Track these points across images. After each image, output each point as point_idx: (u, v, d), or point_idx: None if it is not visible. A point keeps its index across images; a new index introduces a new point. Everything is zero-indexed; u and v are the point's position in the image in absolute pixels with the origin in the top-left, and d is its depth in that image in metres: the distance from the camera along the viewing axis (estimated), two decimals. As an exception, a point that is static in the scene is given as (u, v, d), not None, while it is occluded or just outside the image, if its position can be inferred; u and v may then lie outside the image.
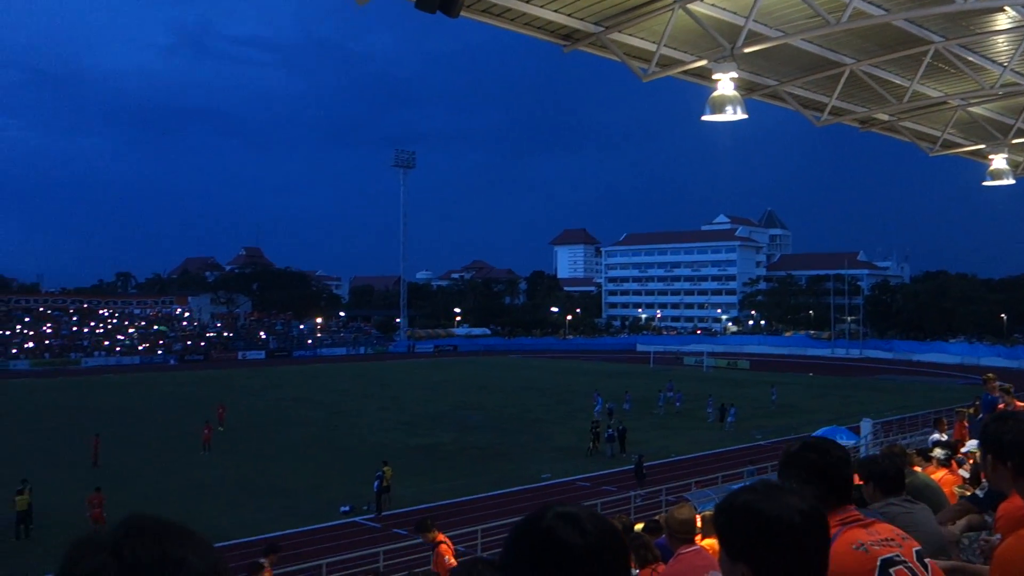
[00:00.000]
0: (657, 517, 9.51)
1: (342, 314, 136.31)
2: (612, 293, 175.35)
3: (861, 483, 5.01)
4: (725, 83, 10.03)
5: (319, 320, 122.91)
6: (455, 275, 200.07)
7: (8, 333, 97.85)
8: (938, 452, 8.75)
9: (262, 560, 13.71)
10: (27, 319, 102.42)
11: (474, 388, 66.22)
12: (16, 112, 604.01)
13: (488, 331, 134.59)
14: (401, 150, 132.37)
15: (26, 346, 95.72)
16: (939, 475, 7.73)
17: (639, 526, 8.95)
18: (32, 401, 59.06)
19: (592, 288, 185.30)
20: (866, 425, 35.47)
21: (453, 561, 11.30)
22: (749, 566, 1.84)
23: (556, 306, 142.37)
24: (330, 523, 26.75)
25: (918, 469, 7.21)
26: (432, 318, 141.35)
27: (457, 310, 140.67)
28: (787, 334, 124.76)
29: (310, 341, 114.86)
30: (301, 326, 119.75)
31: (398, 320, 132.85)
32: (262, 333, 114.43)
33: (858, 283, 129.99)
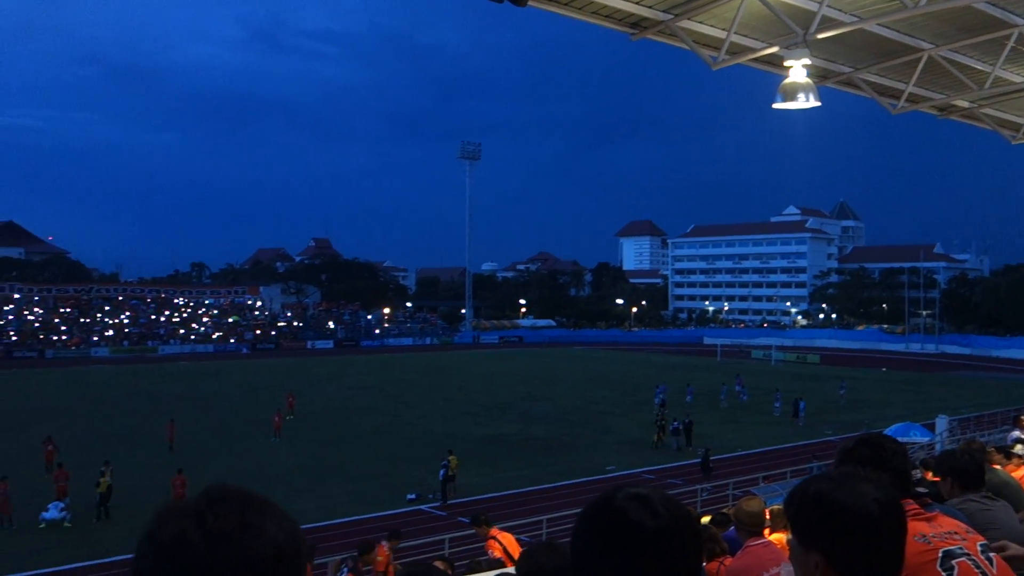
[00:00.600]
0: (725, 510, 9.41)
1: (408, 305, 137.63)
2: (679, 285, 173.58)
3: (937, 479, 4.87)
4: (797, 70, 9.82)
5: (386, 310, 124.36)
6: (520, 266, 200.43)
7: (89, 321, 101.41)
8: (1020, 449, 8.46)
9: (383, 543, 14.09)
10: (107, 308, 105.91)
11: (539, 379, 66.29)
12: (97, 107, 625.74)
13: (553, 322, 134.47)
14: (467, 142, 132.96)
15: (106, 334, 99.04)
16: (1020, 473, 7.48)
17: (706, 519, 8.86)
18: (112, 387, 61.10)
19: (658, 280, 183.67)
20: (941, 422, 34.48)
21: (499, 554, 11.37)
22: (823, 555, 1.81)
23: (621, 298, 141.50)
24: (397, 510, 27.11)
25: (997, 467, 6.98)
26: (497, 309, 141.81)
27: (522, 301, 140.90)
28: (859, 328, 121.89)
29: (377, 331, 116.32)
30: (368, 316, 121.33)
31: (463, 311, 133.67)
32: (331, 323, 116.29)
33: (934, 276, 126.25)
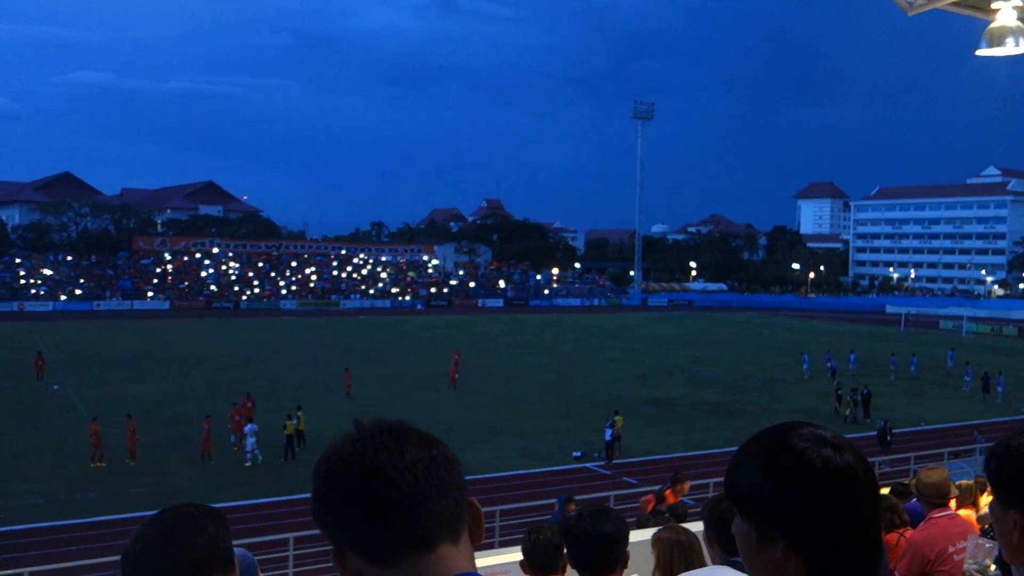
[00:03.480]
0: (906, 481, 8.99)
1: (577, 265, 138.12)
2: (861, 250, 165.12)
3: None
4: (1007, 13, 9.01)
5: (555, 271, 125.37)
6: (691, 229, 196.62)
7: (278, 275, 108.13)
8: None
9: (672, 485, 14.41)
10: (294, 263, 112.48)
11: (708, 343, 65.11)
12: (289, 73, 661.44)
13: (724, 286, 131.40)
14: (640, 101, 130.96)
15: (293, 288, 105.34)
16: None
17: (885, 490, 8.49)
18: (298, 338, 65.04)
19: (838, 245, 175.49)
20: None
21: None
22: (1021, 514, 1.70)
23: (798, 262, 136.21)
24: (563, 467, 27.55)
25: None
26: (667, 272, 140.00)
27: (693, 264, 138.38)
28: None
29: (546, 291, 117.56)
30: (538, 276, 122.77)
31: (632, 273, 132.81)
32: (501, 282, 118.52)
33: None
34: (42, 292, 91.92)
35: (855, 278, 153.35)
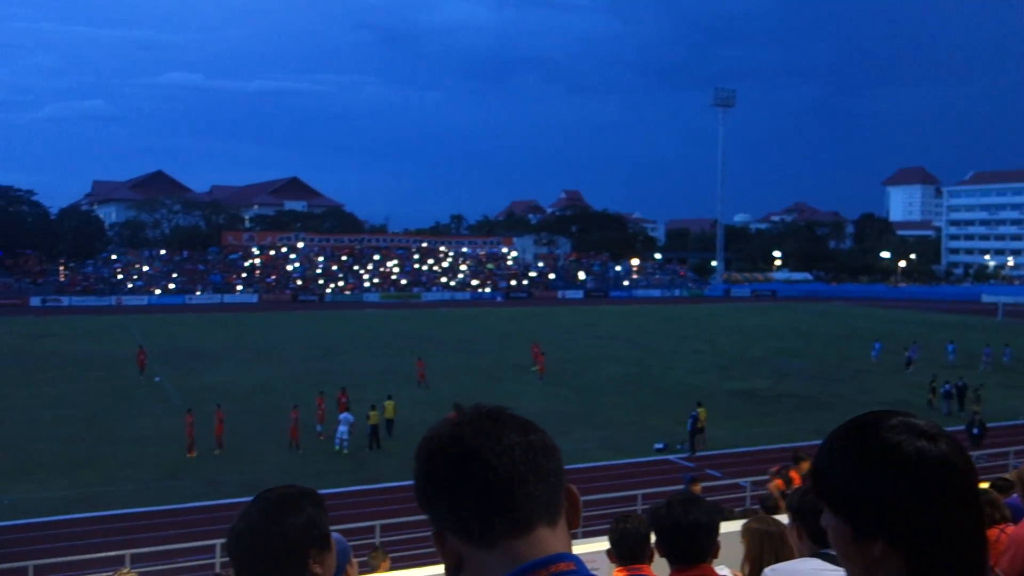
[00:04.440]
0: (1006, 475, 8.64)
1: (658, 256, 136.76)
2: (954, 238, 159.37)
3: None
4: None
5: (635, 262, 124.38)
6: (775, 218, 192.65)
7: (359, 269, 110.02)
8: None
9: (792, 464, 14.23)
10: (376, 257, 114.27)
11: (793, 334, 63.73)
12: (369, 70, 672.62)
13: (809, 276, 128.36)
14: (721, 88, 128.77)
15: (375, 281, 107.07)
16: None
17: (984, 484, 8.18)
18: (381, 329, 66.07)
19: (930, 232, 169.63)
20: None
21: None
22: None
23: (887, 251, 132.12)
24: (645, 458, 27.36)
25: None
26: (749, 261, 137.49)
27: (776, 254, 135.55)
28: None
29: (626, 282, 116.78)
30: (617, 267, 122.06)
31: (714, 263, 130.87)
32: (580, 273, 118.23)
33: None
34: (138, 287, 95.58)
35: (948, 266, 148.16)
